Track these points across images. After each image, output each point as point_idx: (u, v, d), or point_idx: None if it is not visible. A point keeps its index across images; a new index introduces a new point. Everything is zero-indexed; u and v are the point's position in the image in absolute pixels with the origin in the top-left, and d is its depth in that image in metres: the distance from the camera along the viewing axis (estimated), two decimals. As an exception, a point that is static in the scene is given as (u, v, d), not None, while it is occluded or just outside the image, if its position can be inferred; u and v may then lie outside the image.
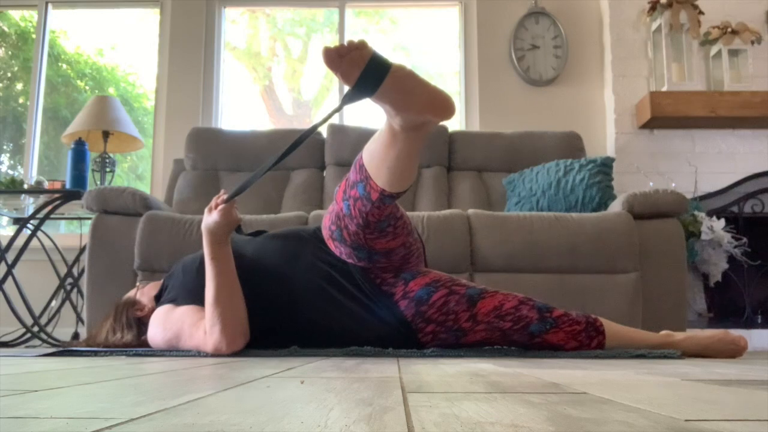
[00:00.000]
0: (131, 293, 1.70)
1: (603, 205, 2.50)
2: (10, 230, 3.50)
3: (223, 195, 1.47)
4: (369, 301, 1.48)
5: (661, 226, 2.26)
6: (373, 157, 1.27)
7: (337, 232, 1.40)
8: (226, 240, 1.46)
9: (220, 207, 1.44)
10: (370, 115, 3.65)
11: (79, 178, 2.89)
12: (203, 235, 1.45)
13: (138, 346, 1.58)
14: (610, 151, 3.40)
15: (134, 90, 4.03)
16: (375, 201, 1.29)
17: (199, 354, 1.43)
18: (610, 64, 3.43)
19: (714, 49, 3.35)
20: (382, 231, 1.37)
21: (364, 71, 1.07)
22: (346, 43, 1.08)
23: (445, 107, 1.15)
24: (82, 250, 2.96)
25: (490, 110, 3.52)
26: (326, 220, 1.46)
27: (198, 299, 1.48)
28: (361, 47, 1.07)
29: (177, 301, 1.54)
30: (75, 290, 3.07)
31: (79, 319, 3.04)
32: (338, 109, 1.16)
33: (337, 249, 1.46)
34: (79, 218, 3.21)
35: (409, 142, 1.20)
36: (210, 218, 1.44)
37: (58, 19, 3.90)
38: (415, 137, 1.20)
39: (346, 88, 1.11)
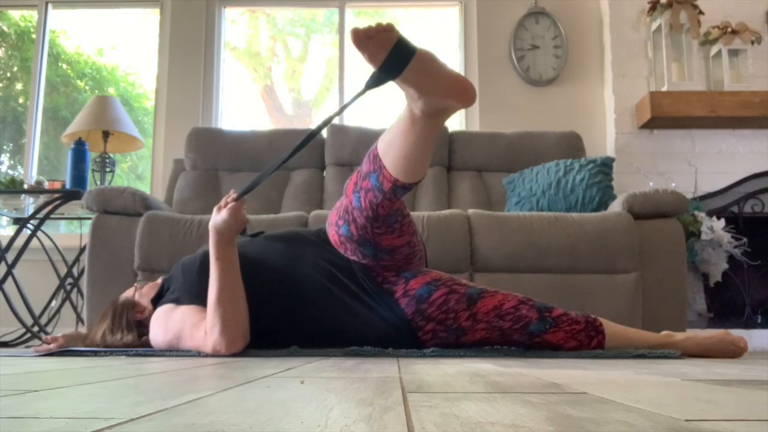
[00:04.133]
0: (129, 293, 1.68)
1: (603, 205, 2.50)
2: (10, 230, 3.50)
3: (233, 194, 1.46)
4: (370, 300, 1.48)
5: (661, 226, 2.26)
6: (389, 145, 1.28)
7: (344, 227, 1.41)
8: (233, 240, 1.45)
9: (229, 205, 1.43)
10: (370, 115, 3.65)
11: (79, 178, 2.90)
12: (210, 235, 1.44)
13: (139, 346, 1.58)
14: (610, 151, 3.40)
15: (134, 90, 4.03)
16: (387, 192, 1.30)
17: (199, 354, 1.43)
18: (610, 64, 3.43)
19: (714, 49, 3.35)
20: (390, 226, 1.38)
21: (390, 53, 1.09)
22: (374, 25, 1.09)
23: (468, 93, 1.16)
24: (82, 250, 2.96)
25: (490, 110, 3.52)
26: (332, 216, 1.46)
27: (199, 300, 1.48)
28: (388, 29, 1.09)
29: (179, 301, 1.54)
30: (75, 290, 3.07)
31: (79, 319, 3.04)
32: (363, 93, 1.17)
33: (342, 245, 1.46)
34: (79, 218, 3.21)
35: (428, 129, 1.22)
36: (219, 217, 1.43)
37: (58, 19, 3.90)
38: (433, 124, 1.22)
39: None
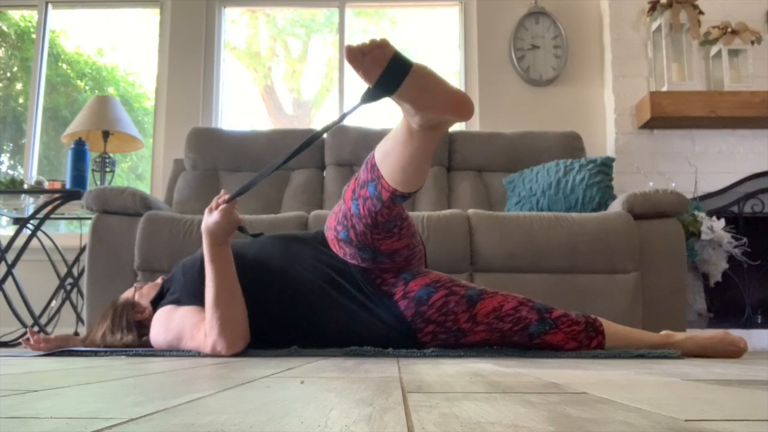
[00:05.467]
0: (129, 294, 1.68)
1: (603, 205, 2.50)
2: (10, 230, 3.50)
3: (224, 195, 1.46)
4: (369, 302, 1.48)
5: (661, 226, 2.26)
6: (386, 155, 1.26)
7: (344, 232, 1.40)
8: (227, 241, 1.45)
9: (220, 207, 1.43)
10: (371, 115, 3.65)
11: (79, 178, 2.90)
12: (203, 236, 1.44)
13: (139, 346, 1.58)
14: (610, 151, 3.40)
15: (134, 90, 4.03)
16: (386, 201, 1.29)
17: (199, 354, 1.43)
18: (610, 64, 3.43)
19: (714, 49, 3.35)
20: (389, 231, 1.37)
21: (385, 70, 1.08)
22: (368, 42, 1.08)
23: (465, 107, 1.15)
24: (82, 250, 2.96)
25: (490, 110, 3.52)
26: (331, 220, 1.45)
27: (200, 300, 1.47)
28: (383, 46, 1.08)
29: (180, 302, 1.54)
30: (75, 290, 3.07)
31: (79, 319, 3.04)
32: (356, 107, 1.15)
33: (342, 250, 1.46)
34: (79, 218, 3.21)
35: (425, 142, 1.21)
36: (210, 219, 1.43)
37: (58, 19, 3.90)
38: (431, 137, 1.20)
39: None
